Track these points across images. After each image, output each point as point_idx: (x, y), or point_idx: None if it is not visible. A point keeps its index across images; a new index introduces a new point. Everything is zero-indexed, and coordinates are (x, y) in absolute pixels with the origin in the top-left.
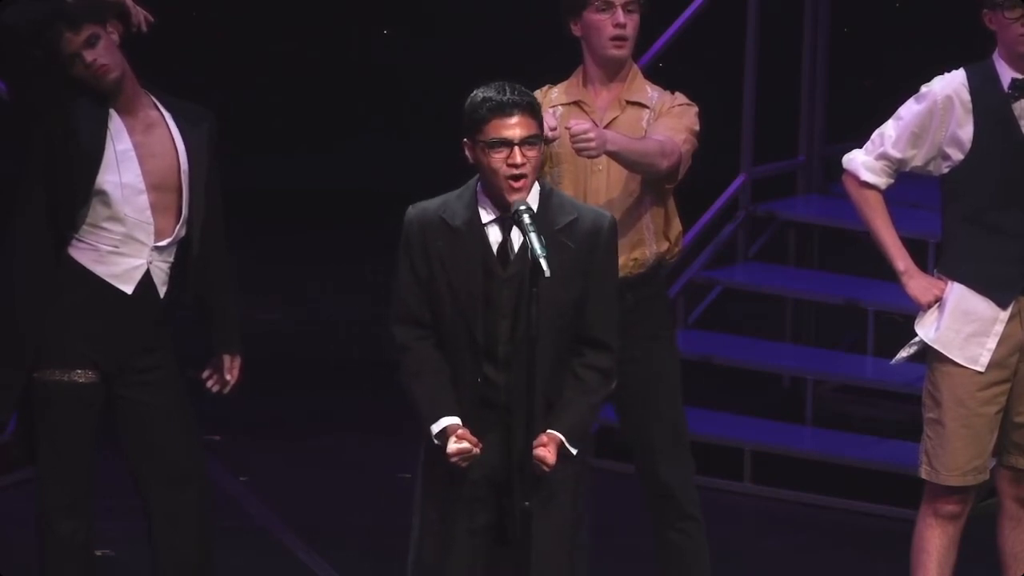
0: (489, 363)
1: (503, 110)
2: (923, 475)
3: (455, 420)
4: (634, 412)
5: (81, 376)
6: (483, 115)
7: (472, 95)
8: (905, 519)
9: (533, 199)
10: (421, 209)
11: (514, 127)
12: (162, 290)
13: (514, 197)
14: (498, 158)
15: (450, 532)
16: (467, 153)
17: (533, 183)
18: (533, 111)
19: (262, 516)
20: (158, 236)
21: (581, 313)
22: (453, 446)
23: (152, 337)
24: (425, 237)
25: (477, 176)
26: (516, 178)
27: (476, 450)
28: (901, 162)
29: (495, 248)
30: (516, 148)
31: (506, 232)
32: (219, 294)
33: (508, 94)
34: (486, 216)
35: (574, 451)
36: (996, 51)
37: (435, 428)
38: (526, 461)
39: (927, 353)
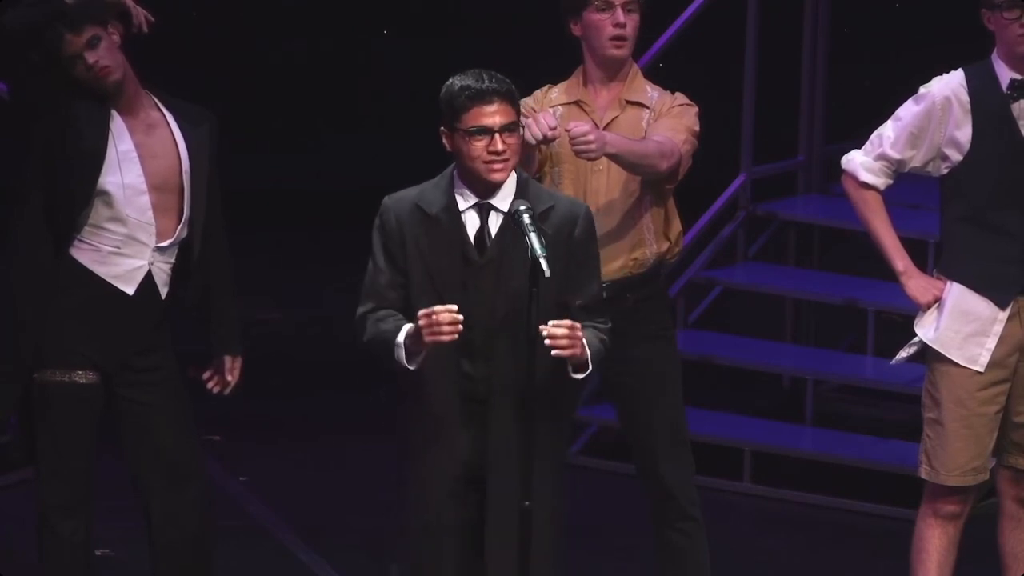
0: (466, 355)
1: (482, 98)
2: (923, 475)
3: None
4: (634, 412)
5: (81, 377)
6: (462, 103)
7: (449, 83)
8: (905, 519)
9: (510, 187)
10: (397, 199)
11: (494, 114)
12: (163, 291)
13: (493, 177)
14: (479, 146)
15: (430, 530)
16: (444, 141)
17: (513, 167)
18: (512, 98)
19: (262, 516)
20: (160, 237)
21: (565, 300)
22: (421, 322)
23: (152, 338)
24: (401, 226)
25: (454, 164)
26: (497, 162)
27: (451, 314)
28: (900, 163)
29: (472, 234)
30: (497, 135)
31: (483, 218)
32: (220, 295)
33: (487, 82)
34: (463, 203)
35: (590, 367)
36: (995, 51)
37: (400, 337)
38: (525, 461)
39: (926, 353)
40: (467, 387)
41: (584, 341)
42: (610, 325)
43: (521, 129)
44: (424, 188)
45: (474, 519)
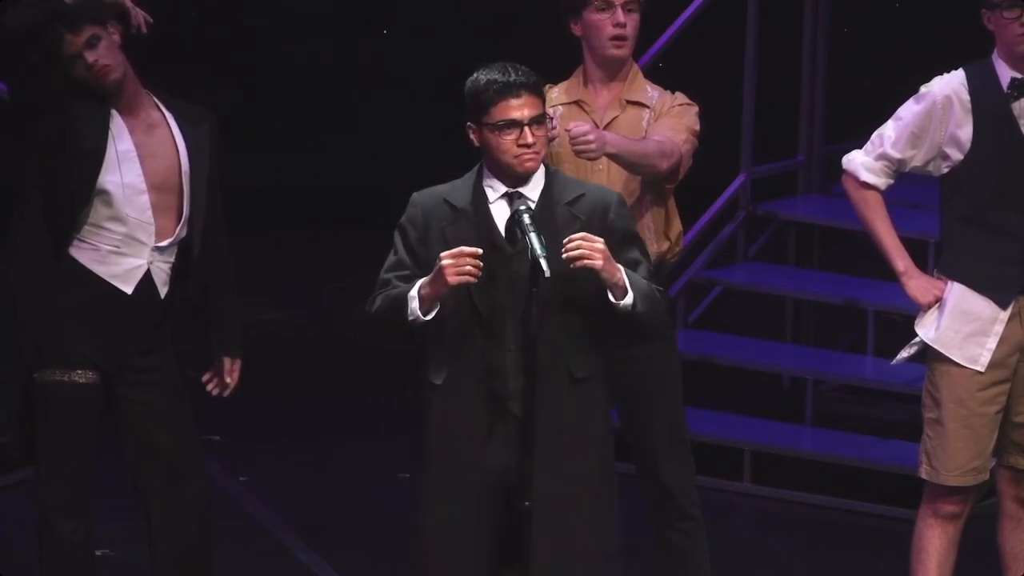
0: (496, 347)
1: (510, 91)
2: (923, 475)
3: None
4: (634, 412)
5: (81, 376)
6: (490, 98)
7: (473, 78)
8: (905, 519)
9: (539, 178)
10: (426, 194)
11: (522, 107)
12: (163, 291)
13: (526, 168)
14: (508, 140)
15: (454, 540)
16: (472, 137)
17: (543, 157)
18: (538, 89)
19: (262, 516)
20: (159, 236)
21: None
22: (445, 261)
23: (152, 337)
24: (427, 219)
25: (481, 163)
26: (528, 153)
27: (467, 248)
28: (901, 162)
29: (502, 224)
30: (527, 128)
31: (513, 207)
32: (219, 296)
33: (513, 75)
34: (492, 194)
35: (631, 291)
36: (995, 51)
37: (413, 290)
38: (525, 459)
39: (927, 353)
40: (496, 384)
41: (619, 267)
42: (664, 290)
43: (549, 120)
44: (454, 184)
45: (504, 531)
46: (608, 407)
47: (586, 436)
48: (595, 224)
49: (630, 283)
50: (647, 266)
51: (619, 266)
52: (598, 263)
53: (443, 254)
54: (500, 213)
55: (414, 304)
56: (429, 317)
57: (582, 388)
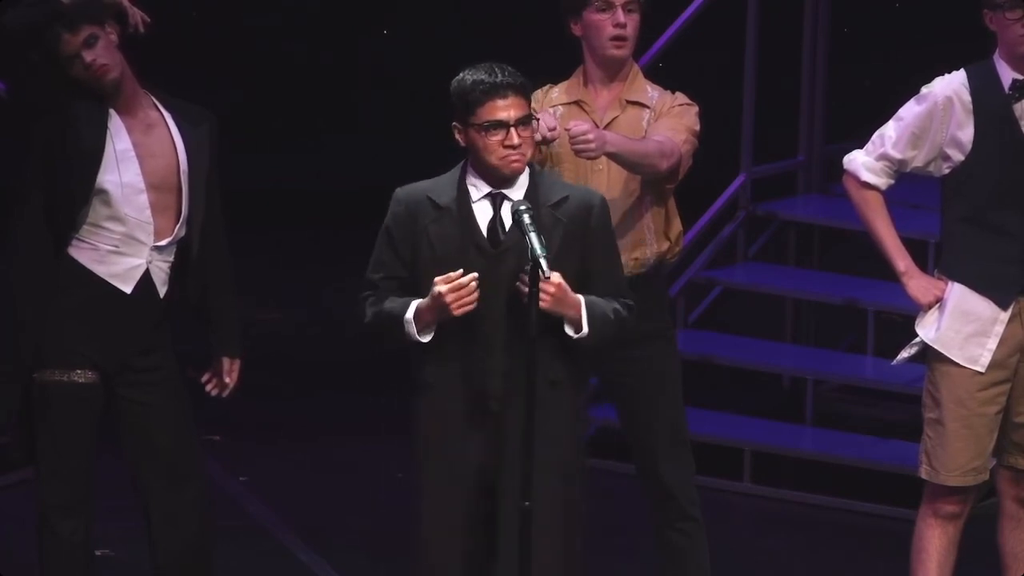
0: (480, 348)
1: (497, 92)
2: (923, 475)
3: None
4: (634, 412)
5: (81, 376)
6: (476, 98)
7: (460, 78)
8: (905, 519)
9: (523, 179)
10: (409, 190)
11: (508, 108)
12: (162, 290)
13: (512, 169)
14: (494, 141)
15: (445, 535)
16: (457, 137)
17: (528, 159)
18: (525, 91)
19: (262, 516)
20: (158, 236)
21: (587, 289)
22: (441, 287)
23: (152, 337)
24: (412, 216)
25: (466, 159)
26: (513, 155)
27: (465, 279)
28: (901, 163)
29: (484, 224)
30: (512, 129)
31: (496, 207)
32: (219, 296)
33: (500, 76)
34: (476, 193)
35: (586, 328)
36: (996, 52)
37: (409, 313)
38: (524, 460)
39: (927, 353)
40: (486, 384)
41: (578, 299)
42: (632, 303)
43: (535, 122)
44: (437, 180)
45: (485, 527)
46: (582, 408)
47: (566, 436)
48: (577, 227)
49: (588, 315)
50: (620, 273)
51: (578, 299)
52: (545, 305)
53: (442, 289)
54: (483, 213)
55: (410, 328)
56: (427, 339)
57: (560, 390)
